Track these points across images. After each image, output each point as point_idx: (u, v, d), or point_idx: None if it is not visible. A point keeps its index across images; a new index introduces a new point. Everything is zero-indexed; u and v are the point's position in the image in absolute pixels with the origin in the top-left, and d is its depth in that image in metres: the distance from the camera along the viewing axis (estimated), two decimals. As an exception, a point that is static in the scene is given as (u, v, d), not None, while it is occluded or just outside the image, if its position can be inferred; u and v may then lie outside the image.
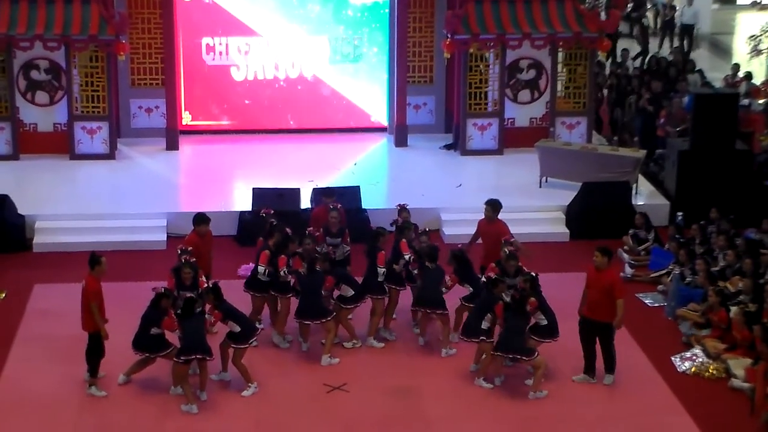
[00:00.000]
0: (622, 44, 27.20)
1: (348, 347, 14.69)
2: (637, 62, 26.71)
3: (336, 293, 14.65)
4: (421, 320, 14.84)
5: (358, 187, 18.64)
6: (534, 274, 13.99)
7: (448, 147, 21.88)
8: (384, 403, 13.51)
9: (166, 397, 13.51)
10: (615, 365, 13.95)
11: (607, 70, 24.84)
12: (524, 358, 13.55)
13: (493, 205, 15.42)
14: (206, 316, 13.41)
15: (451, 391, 13.70)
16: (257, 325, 14.39)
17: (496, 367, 13.87)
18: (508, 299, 13.68)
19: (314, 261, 14.34)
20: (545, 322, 13.77)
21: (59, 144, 20.80)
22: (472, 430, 12.98)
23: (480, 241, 15.52)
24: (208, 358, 13.35)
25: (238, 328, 13.51)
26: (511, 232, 15.34)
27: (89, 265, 13.58)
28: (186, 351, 13.23)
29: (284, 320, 14.77)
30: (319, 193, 16.78)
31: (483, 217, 15.50)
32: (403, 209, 15.43)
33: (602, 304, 13.63)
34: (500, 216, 15.53)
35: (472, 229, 15.89)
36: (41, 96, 20.83)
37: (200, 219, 15.13)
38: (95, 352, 13.54)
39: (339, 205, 15.92)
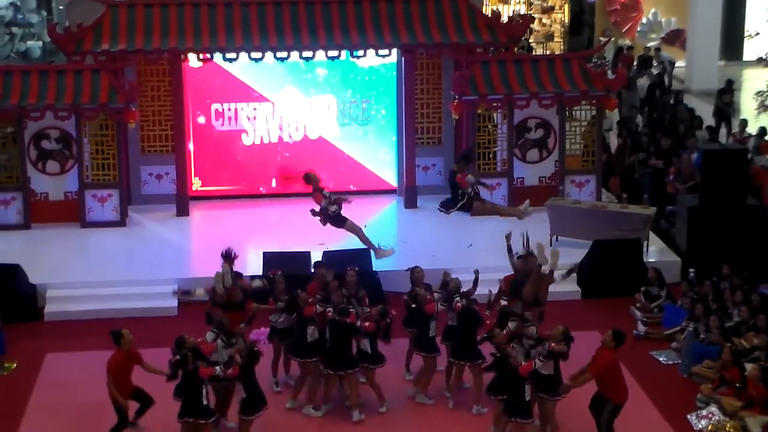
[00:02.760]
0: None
1: (382, 411, 14.59)
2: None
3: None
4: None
5: (369, 249, 18.63)
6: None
7: (458, 208, 21.82)
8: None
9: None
10: None
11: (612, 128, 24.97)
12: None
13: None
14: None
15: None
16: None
17: None
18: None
19: (346, 309, 14.32)
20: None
21: (70, 212, 20.88)
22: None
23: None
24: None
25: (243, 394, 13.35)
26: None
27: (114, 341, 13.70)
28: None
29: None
30: (314, 266, 16.54)
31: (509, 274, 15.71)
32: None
33: (602, 381, 13.49)
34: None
35: (484, 289, 15.89)
36: (52, 165, 20.95)
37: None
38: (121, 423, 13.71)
39: (356, 268, 15.93)
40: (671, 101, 26.08)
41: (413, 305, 15.15)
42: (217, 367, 13.17)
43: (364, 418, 14.34)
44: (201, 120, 22.12)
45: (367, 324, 14.27)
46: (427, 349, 14.89)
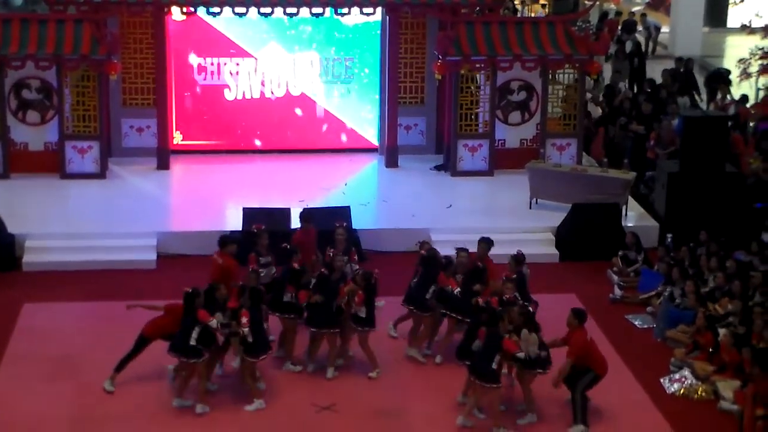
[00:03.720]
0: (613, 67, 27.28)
1: (372, 377, 14.60)
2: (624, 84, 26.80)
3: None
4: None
5: (349, 207, 18.66)
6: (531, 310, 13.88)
7: (438, 168, 21.92)
8: (372, 425, 13.49)
9: (158, 415, 13.48)
10: (584, 417, 13.51)
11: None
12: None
13: (487, 242, 15.40)
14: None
15: (440, 416, 13.66)
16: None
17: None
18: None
19: (333, 264, 14.45)
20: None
21: (50, 163, 20.79)
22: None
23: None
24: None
25: (251, 339, 13.52)
26: (501, 252, 15.51)
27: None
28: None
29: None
30: (301, 218, 16.56)
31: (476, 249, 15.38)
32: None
33: (582, 359, 13.50)
34: (491, 236, 15.64)
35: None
36: (32, 115, 20.83)
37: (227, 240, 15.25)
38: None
39: (344, 223, 15.93)
40: (681, 69, 25.93)
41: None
42: (214, 320, 13.39)
43: (337, 375, 14.42)
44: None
45: (357, 300, 14.22)
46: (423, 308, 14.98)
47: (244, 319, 13.53)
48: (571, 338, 13.50)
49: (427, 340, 15.11)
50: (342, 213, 18.21)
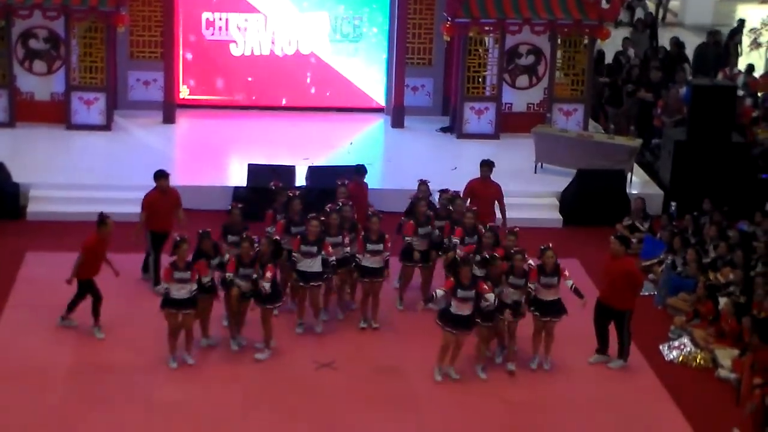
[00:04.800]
0: (622, 33, 27.15)
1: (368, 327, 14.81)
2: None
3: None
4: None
5: (353, 166, 18.58)
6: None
7: (444, 130, 21.89)
8: (372, 382, 13.56)
9: (156, 365, 13.55)
10: (628, 352, 14.06)
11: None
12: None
13: (490, 165, 16.14)
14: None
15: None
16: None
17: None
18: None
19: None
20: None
21: (56, 113, 20.77)
22: (460, 412, 13.03)
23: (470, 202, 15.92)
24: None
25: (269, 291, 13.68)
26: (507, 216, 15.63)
27: (97, 225, 14.23)
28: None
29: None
30: (355, 171, 16.65)
31: (477, 179, 16.19)
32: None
33: (617, 291, 13.85)
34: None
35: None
36: (39, 65, 20.80)
37: (159, 174, 15.45)
38: (79, 296, 14.32)
39: (346, 181, 15.98)
40: (706, 41, 25.78)
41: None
42: (208, 278, 13.50)
43: (303, 332, 14.52)
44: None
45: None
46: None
47: (269, 274, 13.65)
48: (627, 266, 13.81)
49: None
50: (347, 171, 18.13)
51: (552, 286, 13.77)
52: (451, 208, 15.38)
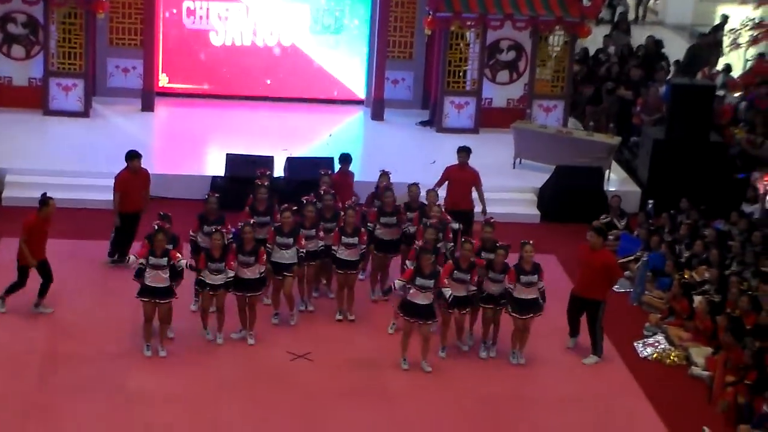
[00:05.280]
0: (603, 31, 27.18)
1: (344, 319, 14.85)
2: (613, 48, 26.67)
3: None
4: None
5: (332, 158, 18.58)
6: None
7: (424, 123, 21.88)
8: (346, 374, 13.54)
9: (130, 353, 13.51)
10: (602, 348, 14.15)
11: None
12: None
13: (468, 151, 16.26)
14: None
15: (413, 365, 13.72)
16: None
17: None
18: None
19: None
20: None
21: (33, 99, 20.66)
22: (432, 404, 13.04)
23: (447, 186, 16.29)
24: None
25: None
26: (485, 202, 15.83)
27: (38, 205, 14.19)
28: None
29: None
30: (340, 160, 16.72)
31: (454, 165, 16.39)
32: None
33: (594, 283, 13.97)
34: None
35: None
36: (17, 50, 20.67)
37: (132, 155, 15.57)
38: (19, 283, 14.28)
39: (329, 171, 15.99)
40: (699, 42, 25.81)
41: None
42: (183, 261, 13.55)
43: (278, 322, 14.54)
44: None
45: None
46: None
47: (264, 257, 13.84)
48: (605, 258, 14.02)
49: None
50: (325, 163, 18.14)
51: (531, 284, 13.78)
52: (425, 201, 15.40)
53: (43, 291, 14.41)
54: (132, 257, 13.72)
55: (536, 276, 13.78)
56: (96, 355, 13.49)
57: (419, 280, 13.33)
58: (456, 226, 15.12)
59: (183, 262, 13.62)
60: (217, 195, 14.94)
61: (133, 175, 15.58)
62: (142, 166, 15.77)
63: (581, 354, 14.32)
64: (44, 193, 14.47)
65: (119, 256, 15.65)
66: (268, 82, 22.37)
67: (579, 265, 14.39)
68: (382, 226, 15.06)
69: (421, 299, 13.38)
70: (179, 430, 12.18)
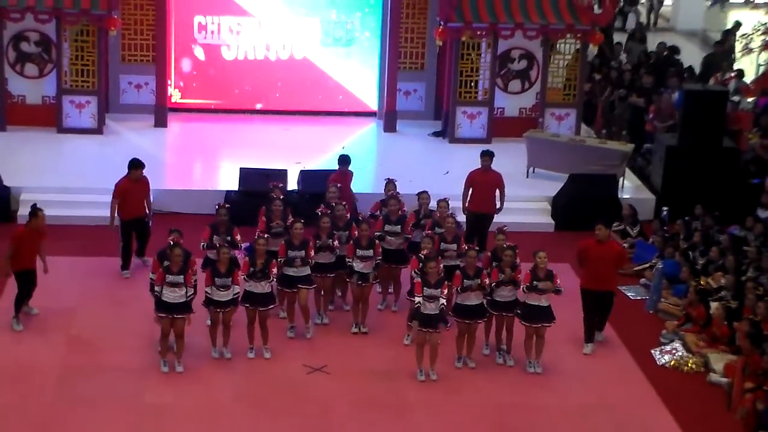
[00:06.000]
0: (615, 38, 27.14)
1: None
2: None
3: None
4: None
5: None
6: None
7: (436, 134, 21.89)
8: (363, 386, 13.53)
9: (147, 368, 13.53)
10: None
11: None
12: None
13: (491, 155, 16.57)
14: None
15: (428, 376, 13.70)
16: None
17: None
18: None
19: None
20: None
21: (47, 117, 20.74)
22: (451, 415, 13.01)
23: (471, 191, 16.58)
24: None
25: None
26: (498, 220, 15.63)
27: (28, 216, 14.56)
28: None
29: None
30: (339, 161, 17.05)
31: (477, 169, 16.74)
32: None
33: (608, 275, 14.39)
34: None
35: (460, 217, 16.26)
36: (30, 68, 20.76)
37: (134, 164, 15.95)
38: (21, 292, 14.51)
39: (339, 185, 16.04)
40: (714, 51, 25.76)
41: None
42: (171, 276, 13.35)
43: (294, 336, 14.54)
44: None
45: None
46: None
47: (275, 270, 13.88)
48: (616, 248, 14.70)
49: None
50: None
51: (545, 291, 13.78)
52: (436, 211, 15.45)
53: (28, 294, 14.64)
54: (151, 276, 13.86)
55: (550, 282, 13.76)
56: (112, 369, 13.51)
57: (426, 291, 13.34)
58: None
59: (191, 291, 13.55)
60: (227, 206, 14.96)
61: (132, 183, 15.94)
62: (143, 175, 16.10)
63: (598, 362, 14.27)
64: (34, 204, 14.76)
65: (138, 255, 16.16)
66: (277, 95, 22.41)
67: (584, 262, 14.55)
68: (387, 235, 15.06)
69: (431, 309, 13.36)
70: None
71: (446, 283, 13.61)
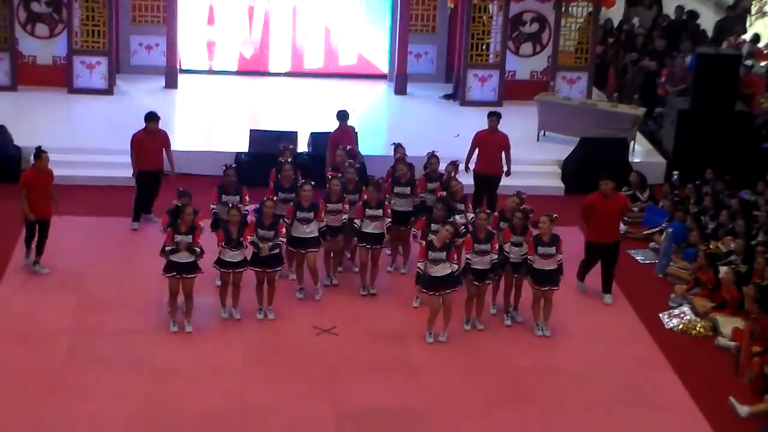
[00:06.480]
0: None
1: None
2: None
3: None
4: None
5: (356, 133, 18.54)
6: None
7: (447, 97, 21.84)
8: (372, 348, 13.57)
9: (156, 328, 13.60)
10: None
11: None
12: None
13: (498, 116, 16.63)
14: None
15: (438, 338, 13.76)
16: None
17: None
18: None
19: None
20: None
21: (58, 77, 20.75)
22: (457, 376, 13.06)
23: (478, 152, 16.63)
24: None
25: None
26: (509, 184, 15.65)
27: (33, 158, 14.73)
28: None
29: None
30: (338, 116, 17.11)
31: (484, 130, 16.81)
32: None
33: (613, 227, 14.74)
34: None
35: (469, 179, 16.23)
36: (41, 28, 20.75)
37: (150, 116, 16.12)
38: (29, 236, 14.75)
39: (348, 147, 16.01)
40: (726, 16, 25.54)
41: None
42: (180, 236, 13.33)
43: (303, 297, 14.58)
44: None
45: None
46: None
47: (283, 230, 13.89)
48: (622, 199, 15.14)
49: None
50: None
51: (549, 255, 13.76)
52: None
53: (39, 249, 14.78)
54: (161, 227, 13.95)
55: (554, 248, 13.74)
56: (122, 329, 13.57)
57: (431, 254, 13.35)
58: (462, 220, 14.76)
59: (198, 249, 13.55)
60: (234, 166, 14.96)
61: (150, 135, 16.11)
62: (160, 128, 16.27)
63: (607, 325, 14.30)
64: (38, 147, 14.91)
65: (144, 212, 16.30)
66: (289, 57, 22.36)
67: (590, 216, 14.77)
68: (396, 197, 15.05)
69: (438, 271, 13.38)
70: (205, 403, 12.24)
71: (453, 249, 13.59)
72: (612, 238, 14.78)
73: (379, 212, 14.50)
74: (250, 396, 12.45)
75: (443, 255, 13.36)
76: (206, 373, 12.83)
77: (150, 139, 16.15)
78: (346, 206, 14.65)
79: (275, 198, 14.34)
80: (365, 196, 14.63)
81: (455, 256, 13.62)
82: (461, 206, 14.77)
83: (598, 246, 14.75)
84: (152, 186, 16.39)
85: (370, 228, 14.53)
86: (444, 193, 14.77)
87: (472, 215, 14.51)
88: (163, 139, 16.35)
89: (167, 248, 13.45)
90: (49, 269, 14.82)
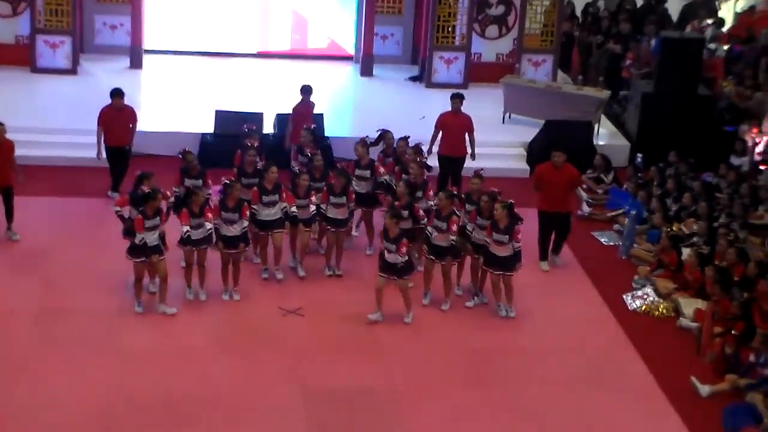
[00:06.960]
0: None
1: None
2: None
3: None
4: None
5: (322, 114, 18.57)
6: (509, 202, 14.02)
7: (413, 79, 21.87)
8: (338, 329, 13.60)
9: (121, 310, 13.55)
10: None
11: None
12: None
13: (461, 98, 16.71)
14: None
15: (398, 319, 13.81)
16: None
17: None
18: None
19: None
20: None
21: (21, 56, 20.59)
22: (423, 357, 13.11)
23: (441, 134, 16.70)
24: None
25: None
26: (474, 165, 15.65)
27: None
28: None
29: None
30: (302, 91, 17.36)
31: (448, 112, 16.84)
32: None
33: (564, 197, 15.06)
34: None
35: (435, 161, 16.26)
36: (3, 6, 20.58)
37: (115, 92, 16.28)
38: None
39: (313, 126, 16.07)
40: None
41: None
42: (149, 221, 13.26)
43: (267, 277, 14.57)
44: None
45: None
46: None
47: (247, 212, 13.90)
48: (573, 171, 15.21)
49: None
50: (315, 119, 18.13)
51: (503, 243, 13.76)
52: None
53: (9, 216, 14.89)
54: (116, 208, 13.86)
55: (507, 236, 13.73)
56: (86, 310, 13.51)
57: (385, 243, 13.43)
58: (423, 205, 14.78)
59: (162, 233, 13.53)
60: (188, 149, 14.90)
61: (115, 111, 16.21)
62: (127, 104, 16.38)
63: (571, 307, 14.41)
64: None
65: (111, 189, 16.43)
66: (255, 38, 22.30)
67: (541, 186, 15.15)
68: (357, 179, 15.07)
69: (392, 258, 13.43)
70: (171, 384, 12.23)
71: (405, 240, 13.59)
72: (562, 208, 15.13)
73: (343, 199, 14.51)
74: (217, 377, 12.43)
75: (394, 247, 13.40)
76: (172, 355, 12.80)
77: (116, 115, 16.21)
78: (314, 198, 14.59)
79: (238, 182, 14.29)
80: (332, 181, 14.60)
81: (403, 249, 13.53)
82: (419, 194, 14.74)
83: (548, 216, 15.09)
84: (119, 162, 16.39)
85: (333, 214, 14.53)
86: (412, 178, 14.73)
87: (432, 202, 14.51)
88: (129, 115, 16.42)
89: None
90: (16, 244, 14.70)
